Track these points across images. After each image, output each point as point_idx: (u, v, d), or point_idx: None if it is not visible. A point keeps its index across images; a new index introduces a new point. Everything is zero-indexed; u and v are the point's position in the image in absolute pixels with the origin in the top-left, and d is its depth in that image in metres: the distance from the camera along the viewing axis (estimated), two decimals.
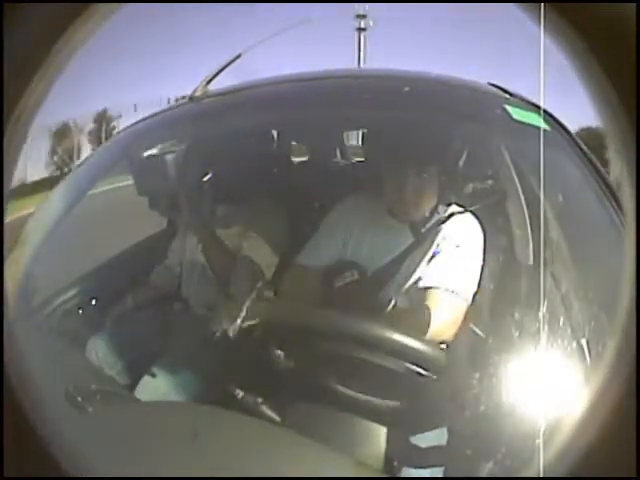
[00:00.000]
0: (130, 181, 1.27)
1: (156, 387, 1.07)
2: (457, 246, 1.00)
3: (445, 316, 0.93)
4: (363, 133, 1.29)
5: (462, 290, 0.96)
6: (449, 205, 1.05)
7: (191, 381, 1.08)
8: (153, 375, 1.07)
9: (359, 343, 0.80)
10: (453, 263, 0.99)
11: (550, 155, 1.09)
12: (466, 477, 0.71)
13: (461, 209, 1.04)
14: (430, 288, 0.98)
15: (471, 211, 1.03)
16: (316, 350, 0.83)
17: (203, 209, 1.31)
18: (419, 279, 1.00)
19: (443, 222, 1.03)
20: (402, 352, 0.78)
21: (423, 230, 1.04)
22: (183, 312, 1.27)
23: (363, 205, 1.10)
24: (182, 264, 1.32)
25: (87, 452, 0.30)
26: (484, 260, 0.98)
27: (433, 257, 1.01)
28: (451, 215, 1.03)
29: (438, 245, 1.02)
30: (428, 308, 0.93)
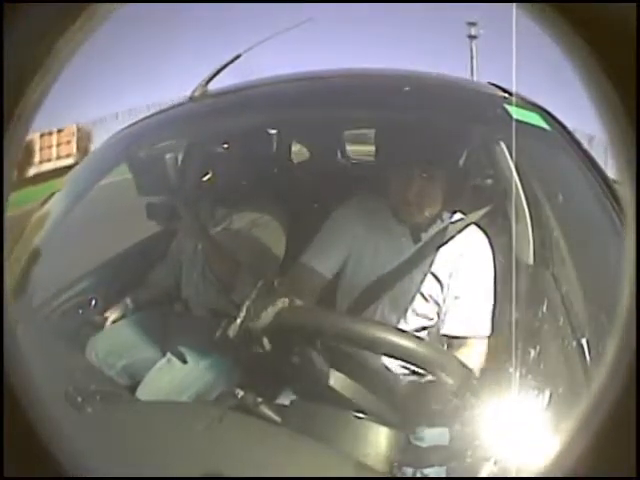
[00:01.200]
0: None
1: (189, 371, 1.08)
2: (475, 284, 1.00)
3: (477, 361, 0.94)
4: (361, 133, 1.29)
5: (486, 328, 0.97)
6: (454, 213, 1.05)
7: (222, 365, 1.08)
8: (184, 360, 1.08)
9: (359, 344, 0.80)
10: (476, 305, 0.99)
11: (550, 155, 1.09)
12: (466, 477, 0.70)
13: (464, 218, 1.03)
14: (459, 338, 0.99)
15: (477, 224, 1.03)
16: (318, 350, 0.83)
17: (203, 213, 1.31)
18: (442, 322, 1.01)
19: (449, 238, 1.02)
20: (403, 353, 0.78)
21: (424, 235, 1.04)
22: (183, 313, 1.27)
23: (367, 207, 1.10)
24: (182, 265, 1.32)
25: (87, 452, 0.30)
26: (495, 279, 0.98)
27: (453, 294, 1.01)
28: (457, 230, 1.02)
29: (451, 275, 1.01)
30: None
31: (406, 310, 1.02)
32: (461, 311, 1.00)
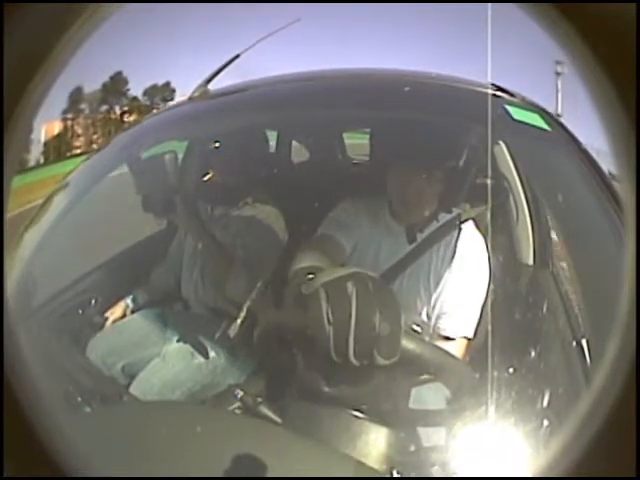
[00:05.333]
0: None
1: (182, 369, 1.09)
2: (470, 285, 0.99)
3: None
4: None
5: (471, 330, 0.96)
6: (449, 213, 1.04)
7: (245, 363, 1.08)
8: (206, 356, 1.08)
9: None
10: (469, 306, 0.98)
11: (550, 155, 1.09)
12: (466, 477, 0.70)
13: (460, 213, 1.03)
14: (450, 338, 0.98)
15: (475, 224, 1.02)
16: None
17: (201, 210, 1.31)
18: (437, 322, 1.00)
19: (445, 236, 1.02)
20: (403, 353, 0.78)
21: (419, 235, 1.03)
22: (182, 312, 1.27)
23: (369, 205, 1.10)
24: (182, 264, 1.32)
25: (87, 452, 0.30)
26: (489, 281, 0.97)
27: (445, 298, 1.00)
28: (453, 227, 1.02)
29: (446, 274, 1.00)
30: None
31: (409, 308, 1.02)
32: (455, 312, 1.00)
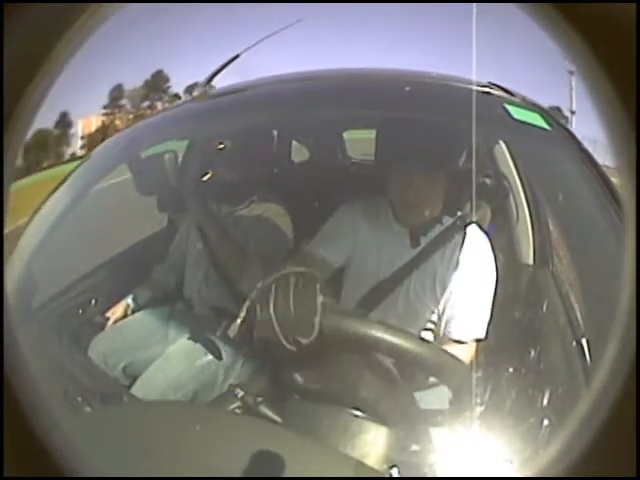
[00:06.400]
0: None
1: (185, 369, 1.09)
2: (477, 287, 0.98)
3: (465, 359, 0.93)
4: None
5: (482, 332, 0.96)
6: (453, 216, 1.03)
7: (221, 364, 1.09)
8: (219, 356, 1.09)
9: (359, 344, 0.80)
10: (477, 309, 0.97)
11: (550, 154, 1.09)
12: (466, 477, 0.70)
13: (464, 216, 1.03)
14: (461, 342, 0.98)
15: (478, 225, 1.02)
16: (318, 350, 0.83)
17: (211, 206, 1.31)
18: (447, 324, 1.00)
19: (450, 239, 1.01)
20: (402, 353, 0.78)
21: (423, 239, 1.03)
22: (185, 312, 1.27)
23: (370, 208, 1.09)
24: (185, 264, 1.32)
25: (87, 452, 0.30)
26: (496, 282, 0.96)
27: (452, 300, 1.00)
28: (456, 230, 1.02)
29: (453, 278, 1.00)
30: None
31: (417, 313, 1.02)
32: (465, 316, 0.99)
